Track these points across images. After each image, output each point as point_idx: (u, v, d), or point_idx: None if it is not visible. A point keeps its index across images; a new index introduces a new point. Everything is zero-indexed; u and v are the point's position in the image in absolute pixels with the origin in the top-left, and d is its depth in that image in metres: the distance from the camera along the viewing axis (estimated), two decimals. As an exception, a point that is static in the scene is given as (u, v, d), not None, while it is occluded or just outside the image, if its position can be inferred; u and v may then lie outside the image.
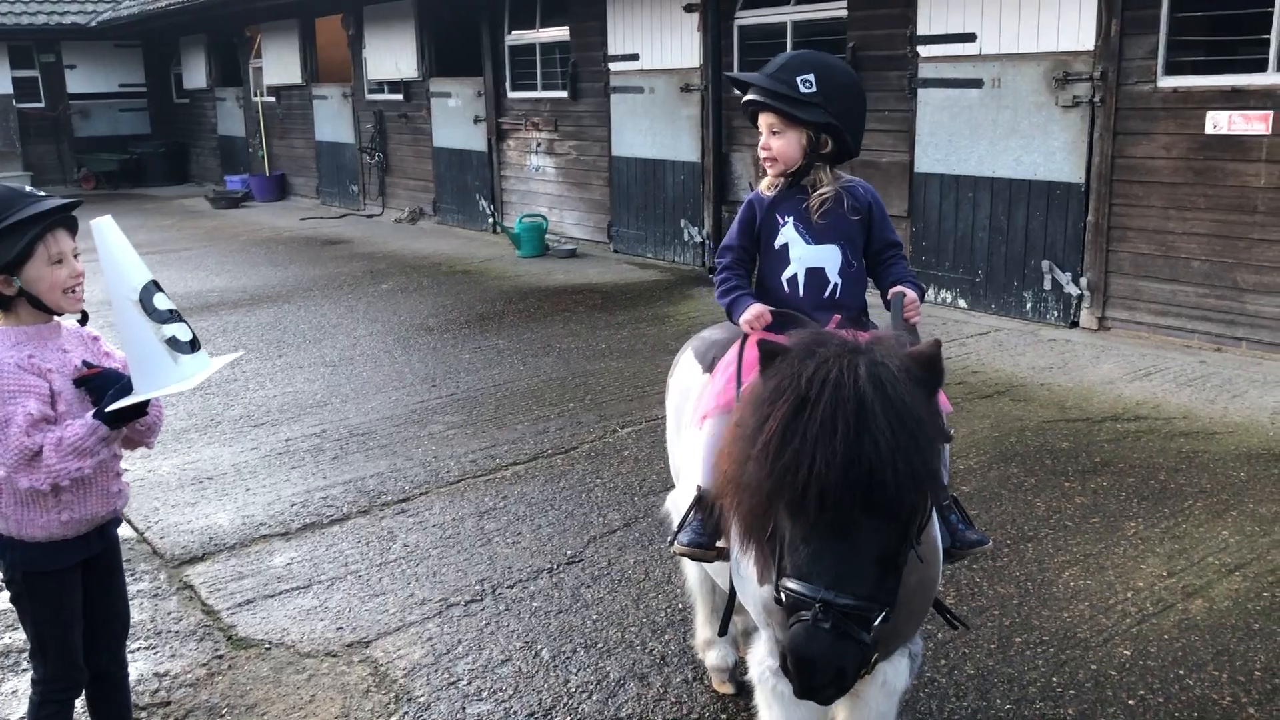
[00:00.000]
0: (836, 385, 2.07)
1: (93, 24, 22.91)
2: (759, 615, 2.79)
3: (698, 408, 3.31)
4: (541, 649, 4.10)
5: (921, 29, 9.14)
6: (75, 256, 2.88)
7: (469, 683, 3.89)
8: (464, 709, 3.72)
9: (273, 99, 20.35)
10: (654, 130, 12.15)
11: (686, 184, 11.85)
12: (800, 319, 2.94)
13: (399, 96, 16.69)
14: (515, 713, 3.69)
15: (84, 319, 3.01)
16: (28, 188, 2.91)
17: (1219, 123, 7.37)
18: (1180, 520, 4.98)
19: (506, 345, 8.82)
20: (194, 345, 2.83)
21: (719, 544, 2.99)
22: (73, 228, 2.91)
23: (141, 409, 2.82)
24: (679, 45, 11.59)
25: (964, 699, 3.67)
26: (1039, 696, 3.66)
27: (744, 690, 3.76)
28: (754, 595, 2.76)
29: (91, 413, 2.80)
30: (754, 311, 3.03)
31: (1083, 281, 8.35)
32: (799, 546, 2.14)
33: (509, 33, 14.36)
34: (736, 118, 11.23)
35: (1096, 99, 8.03)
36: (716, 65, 11.10)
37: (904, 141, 9.56)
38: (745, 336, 3.15)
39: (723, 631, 3.17)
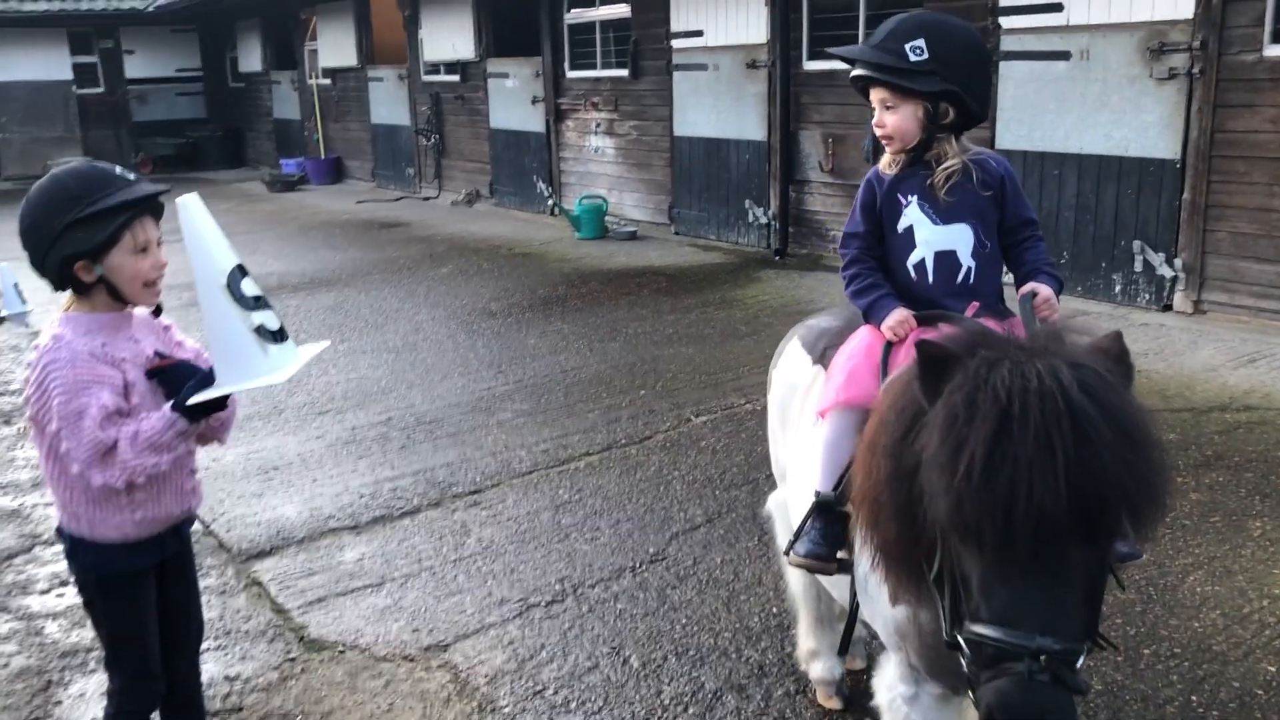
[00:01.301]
0: (1043, 396, 1.77)
1: (150, 9, 22.96)
2: (890, 637, 2.53)
3: (810, 402, 3.04)
4: (630, 655, 3.86)
5: (1004, 0, 8.73)
6: (159, 245, 2.68)
7: (555, 692, 3.65)
8: (552, 720, 3.49)
9: (328, 82, 20.26)
10: (718, 108, 11.82)
11: (752, 163, 11.52)
12: (947, 318, 2.65)
13: (455, 78, 16.48)
14: (606, 726, 3.45)
15: (158, 311, 2.80)
16: (118, 168, 2.69)
17: (1332, 93, 6.91)
18: (1310, 521, 4.63)
19: (572, 330, 8.58)
20: (281, 334, 2.60)
21: (839, 555, 2.73)
22: (158, 214, 2.70)
23: (222, 402, 2.61)
24: (745, 20, 11.24)
25: (1095, 719, 3.37)
26: (1178, 717, 3.35)
27: (852, 705, 3.50)
28: (885, 616, 2.49)
29: (169, 404, 2.59)
30: (898, 317, 2.72)
31: (1177, 263, 7.92)
32: (996, 587, 1.84)
33: (568, 11, 14.08)
34: (805, 94, 10.88)
35: (1195, 70, 7.58)
36: (785, 40, 10.74)
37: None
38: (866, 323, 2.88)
39: (843, 651, 2.91)
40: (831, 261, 10.81)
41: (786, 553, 2.80)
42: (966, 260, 2.78)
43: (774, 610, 4.13)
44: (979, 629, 1.86)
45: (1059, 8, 8.35)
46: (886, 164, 2.89)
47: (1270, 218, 7.39)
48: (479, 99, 16.10)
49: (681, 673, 3.74)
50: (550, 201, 14.64)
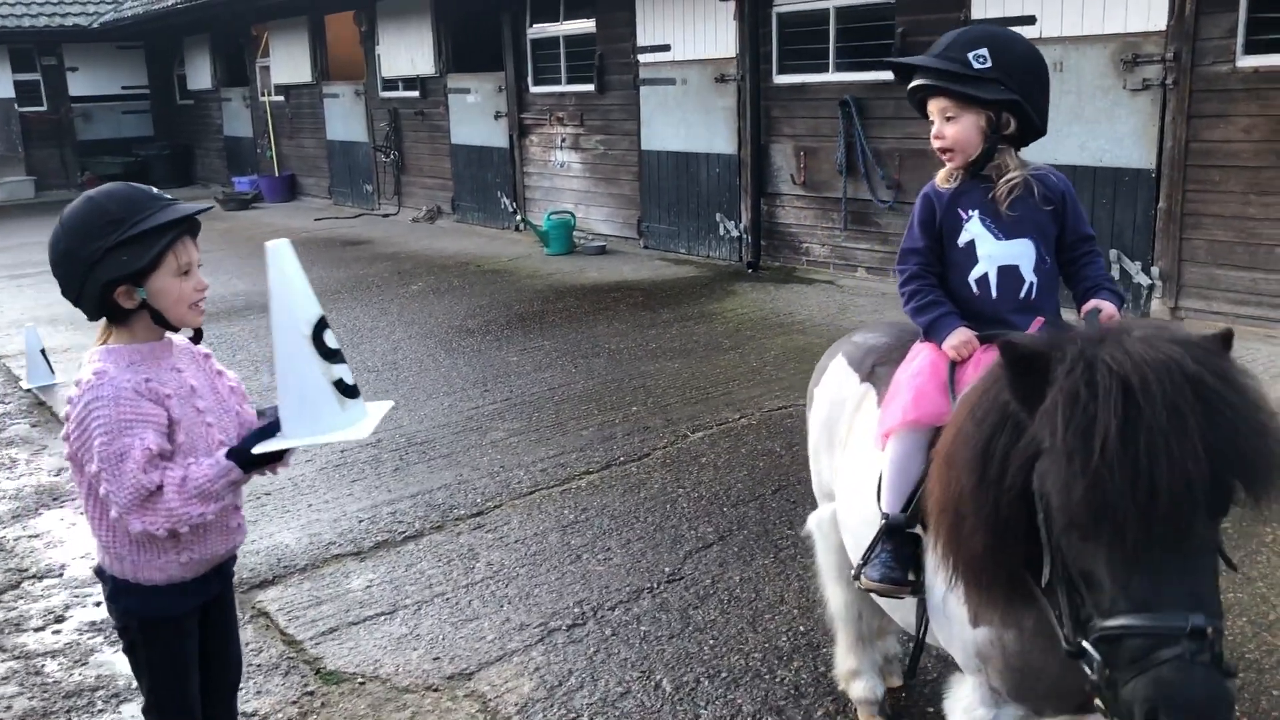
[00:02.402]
0: (1163, 367, 1.75)
1: (95, 25, 22.53)
2: (969, 660, 2.48)
3: (860, 419, 3.00)
4: (661, 679, 3.78)
5: (977, 13, 8.82)
6: (199, 266, 2.58)
7: (590, 719, 3.57)
8: (590, 750, 3.40)
9: (281, 98, 19.98)
10: (687, 123, 11.81)
11: (722, 177, 11.52)
12: (1009, 336, 2.62)
13: (415, 93, 16.33)
14: (647, 753, 3.37)
15: (198, 337, 2.69)
16: (154, 190, 2.60)
17: (1305, 102, 7.05)
18: (1320, 525, 4.68)
19: (553, 346, 8.49)
20: (355, 390, 2.51)
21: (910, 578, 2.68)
22: (196, 233, 2.59)
23: (282, 454, 2.50)
24: (713, 34, 11.25)
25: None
26: (1223, 726, 3.35)
27: (895, 723, 3.46)
28: (965, 638, 2.45)
29: (224, 451, 2.48)
30: (962, 337, 2.68)
31: (1154, 271, 8.03)
32: (1135, 572, 1.78)
33: (531, 26, 14.01)
34: (775, 107, 10.91)
35: (1169, 81, 7.70)
36: (754, 55, 10.77)
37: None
38: (924, 342, 2.84)
39: (910, 677, 2.86)
40: (805, 274, 10.84)
41: (856, 577, 2.73)
42: (1029, 276, 2.76)
43: (801, 629, 4.08)
44: (1120, 621, 1.78)
45: (1032, 20, 8.45)
46: (943, 178, 2.85)
47: (1246, 225, 7.52)
48: (439, 115, 15.96)
49: (716, 695, 3.67)
50: (517, 217, 14.53)
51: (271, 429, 2.46)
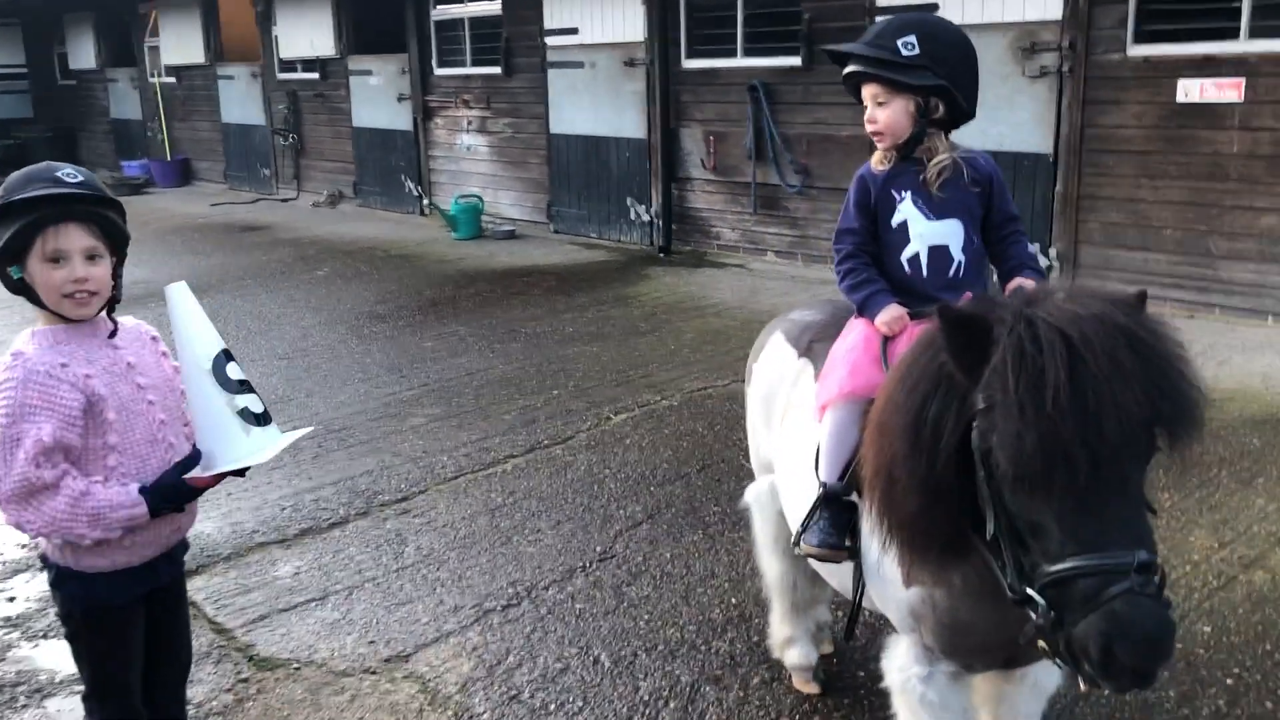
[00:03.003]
0: (1099, 321, 1.88)
1: (-32, 1, 21.50)
2: (903, 620, 2.58)
3: (798, 394, 3.08)
4: (599, 654, 3.83)
5: (882, 0, 9.01)
6: (92, 259, 2.44)
7: (532, 695, 3.60)
8: (534, 725, 3.44)
9: (172, 80, 19.36)
10: (596, 106, 11.83)
11: (632, 161, 11.57)
12: (944, 303, 2.73)
13: (314, 75, 15.99)
14: (591, 726, 3.42)
15: (113, 332, 2.58)
16: (66, 169, 2.45)
17: (1190, 91, 7.40)
18: (1212, 490, 4.95)
19: (468, 331, 8.45)
20: (265, 418, 2.58)
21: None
22: (101, 223, 2.46)
23: (195, 493, 2.53)
24: (621, 18, 11.28)
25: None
26: (1135, 680, 3.54)
27: (830, 689, 3.58)
28: (898, 599, 2.55)
29: (137, 487, 2.44)
30: (893, 313, 2.78)
31: (1052, 252, 8.34)
32: (1080, 519, 1.88)
33: (435, 7, 13.84)
34: (685, 92, 10.99)
35: (1065, 69, 8.01)
36: (663, 39, 10.83)
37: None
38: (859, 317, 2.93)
39: (848, 637, 2.96)
40: (716, 258, 10.97)
41: (796, 543, 2.82)
42: (958, 255, 2.87)
43: (733, 601, 4.17)
44: (1070, 563, 1.87)
45: (935, 9, 8.67)
46: (877, 161, 2.94)
47: (1137, 208, 7.87)
48: (340, 97, 15.67)
49: (655, 668, 3.74)
50: (424, 201, 14.37)
51: (190, 463, 2.50)
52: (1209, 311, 7.58)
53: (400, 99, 14.52)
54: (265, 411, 2.60)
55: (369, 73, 15.01)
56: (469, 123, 13.68)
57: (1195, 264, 7.59)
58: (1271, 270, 7.37)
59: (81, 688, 2.75)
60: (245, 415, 2.53)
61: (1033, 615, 1.97)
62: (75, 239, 2.42)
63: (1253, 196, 7.33)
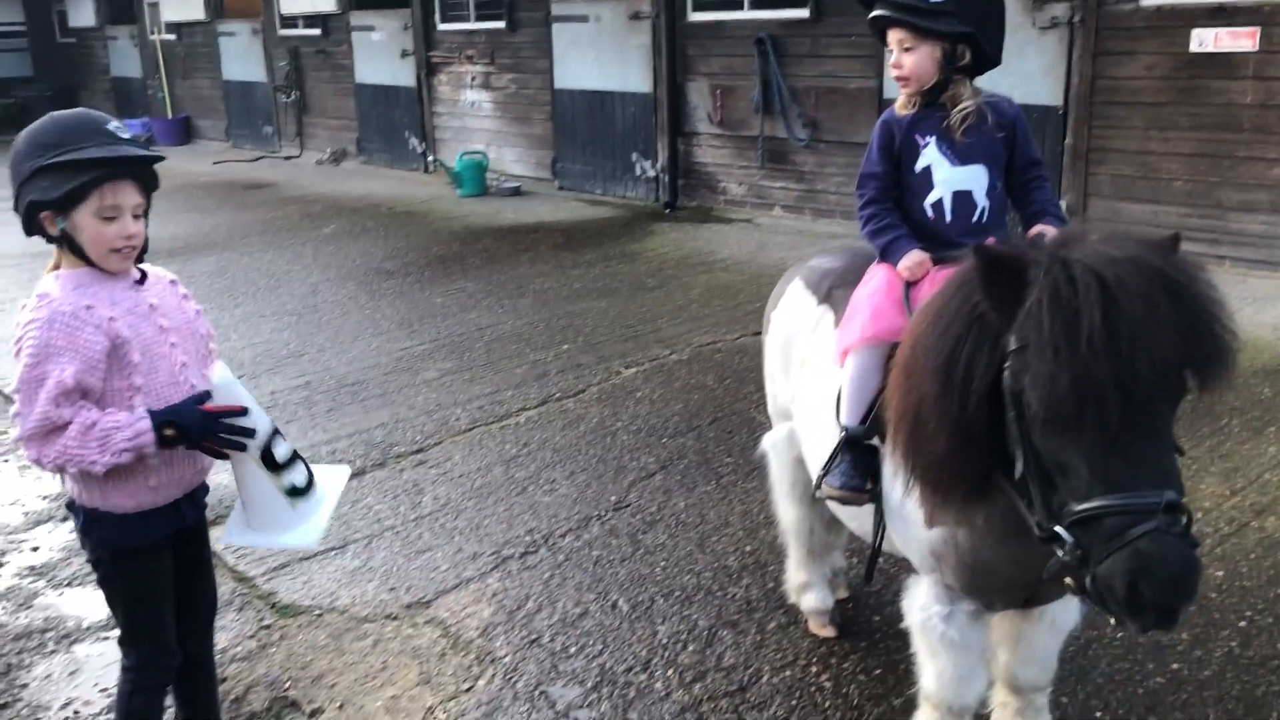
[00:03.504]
0: (1133, 263, 1.88)
1: (-34, -43, 21.28)
2: (924, 560, 2.61)
3: (818, 340, 3.10)
4: (617, 599, 3.88)
5: (890, -50, 8.90)
6: (139, 216, 2.50)
7: (552, 639, 3.66)
8: (555, 667, 3.49)
9: (173, 37, 19.20)
10: (600, 61, 11.74)
11: (638, 116, 11.50)
12: (960, 259, 2.74)
13: (316, 31, 15.86)
14: (611, 669, 3.47)
15: (142, 279, 2.61)
16: (114, 123, 2.49)
17: (1204, 40, 7.35)
18: (1223, 439, 4.97)
19: (477, 288, 8.46)
20: (310, 484, 2.69)
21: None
22: (148, 180, 2.53)
23: (205, 423, 2.50)
24: (627, -29, 11.17)
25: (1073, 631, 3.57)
26: (1147, 622, 3.58)
27: (845, 633, 3.62)
28: (920, 539, 2.58)
29: (145, 411, 2.45)
30: (916, 259, 2.79)
31: (1061, 205, 8.32)
32: (1108, 459, 1.90)
33: (437, -39, 13.72)
34: (691, 45, 10.91)
35: (1076, 19, 7.94)
36: (669, -8, 10.74)
37: (872, 67, 9.37)
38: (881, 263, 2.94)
39: (868, 579, 2.99)
40: (722, 213, 10.94)
41: (817, 486, 2.85)
42: (981, 200, 2.87)
43: (748, 549, 4.21)
44: (1098, 502, 1.90)
45: (944, -41, 8.59)
46: (901, 105, 2.94)
47: (1148, 160, 7.83)
48: (342, 53, 15.55)
49: (672, 613, 3.79)
50: (429, 158, 14.31)
51: (204, 398, 2.53)
52: (1219, 264, 7.55)
53: (403, 55, 14.41)
54: (310, 478, 2.70)
55: (371, 28, 14.89)
56: (473, 78, 13.59)
57: (1205, 216, 7.56)
58: (1282, 222, 7.36)
59: (116, 632, 2.80)
60: (293, 492, 2.65)
61: (1059, 553, 2.00)
62: (128, 196, 2.47)
63: (1265, 147, 7.30)
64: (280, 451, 2.61)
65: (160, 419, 2.45)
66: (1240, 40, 7.18)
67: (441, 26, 13.87)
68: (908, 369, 2.27)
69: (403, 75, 14.56)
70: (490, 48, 13.20)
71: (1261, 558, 3.96)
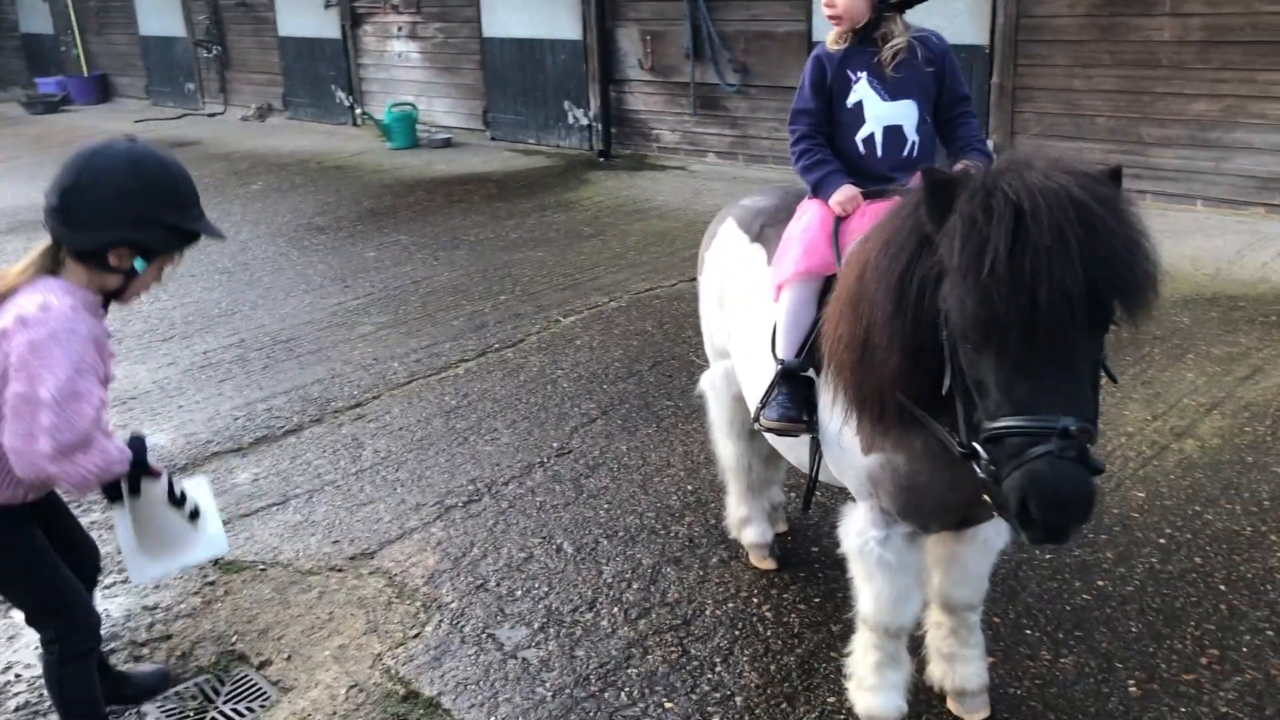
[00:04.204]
0: (1051, 193, 1.91)
1: None
2: (861, 486, 2.68)
3: (751, 277, 3.14)
4: (562, 543, 3.93)
5: (816, -109, 8.89)
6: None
7: (498, 583, 3.70)
8: (502, 610, 3.53)
9: (84, -10, 18.57)
10: (529, 8, 11.60)
11: (568, 64, 11.40)
12: (894, 192, 2.79)
13: (235, -17, 15.46)
14: (557, 609, 3.53)
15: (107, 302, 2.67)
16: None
17: (1124, -22, 7.45)
18: (1145, 366, 5.13)
19: (410, 240, 8.38)
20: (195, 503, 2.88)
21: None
22: None
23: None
24: (553, -84, 11.02)
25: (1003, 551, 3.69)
26: (1075, 545, 3.72)
27: (785, 564, 3.71)
28: (858, 466, 2.65)
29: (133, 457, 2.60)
30: (847, 194, 2.84)
31: (989, 144, 8.40)
32: (1018, 382, 1.98)
33: (358, -92, 13.39)
34: (620, -9, 10.82)
35: (1000, -42, 8.01)
36: (596, -64, 10.61)
37: (801, 10, 9.38)
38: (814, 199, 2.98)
39: (805, 508, 3.06)
40: (657, 161, 10.92)
41: (755, 420, 2.91)
42: (912, 135, 2.92)
43: (689, 488, 4.28)
44: (1003, 422, 1.99)
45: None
46: (832, 40, 2.97)
47: (1072, 98, 7.96)
48: (264, 5, 15.17)
49: (616, 553, 3.85)
50: (357, 111, 14.06)
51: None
52: (1140, 198, 7.72)
53: (327, 6, 14.09)
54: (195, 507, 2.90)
55: (292, -21, 14.54)
56: (399, 28, 13.35)
57: (1127, 151, 7.72)
58: (1200, 156, 7.54)
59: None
60: (193, 516, 2.87)
61: (976, 469, 2.08)
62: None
63: (1183, 83, 7.46)
64: (178, 488, 2.80)
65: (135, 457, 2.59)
66: (1158, -24, 7.30)
67: (365, -24, 13.59)
68: (855, 297, 2.31)
69: (327, 27, 14.26)
70: (416, -3, 12.97)
71: (1180, 478, 4.11)
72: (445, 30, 12.80)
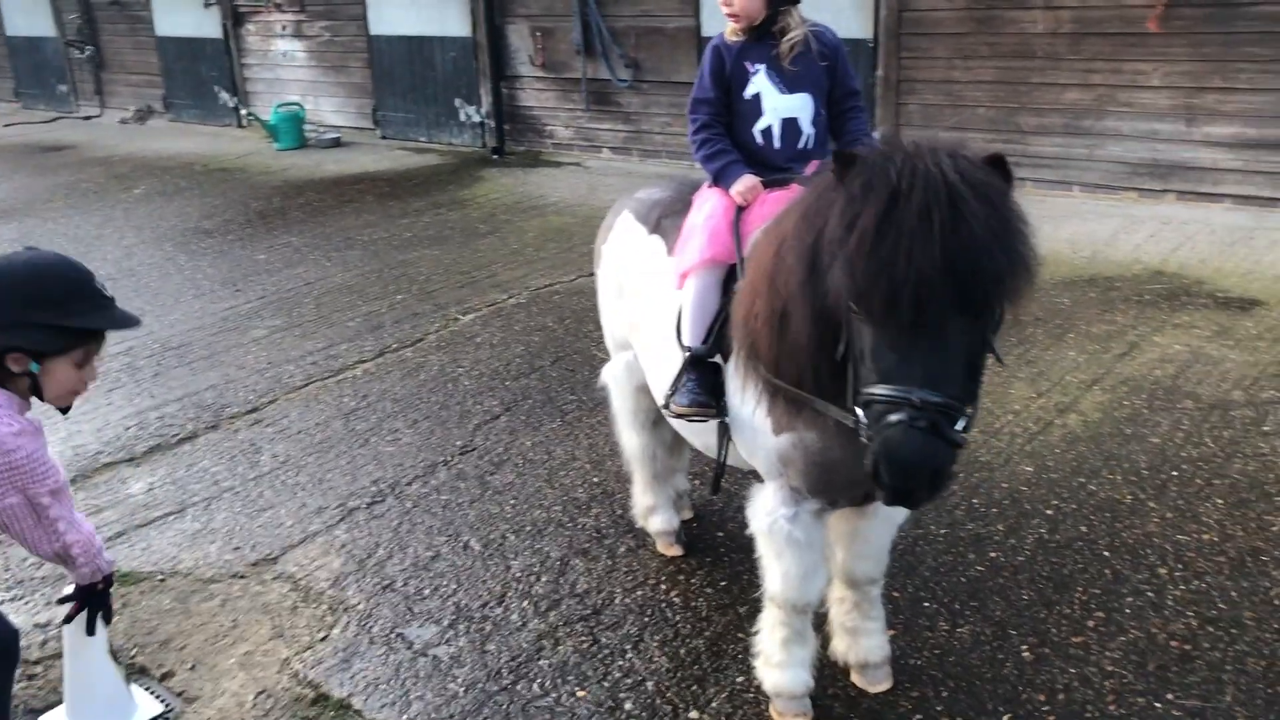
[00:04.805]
0: (926, 177, 1.98)
1: None
2: (772, 466, 2.73)
3: (651, 268, 3.18)
4: (469, 540, 3.92)
5: (701, -113, 8.99)
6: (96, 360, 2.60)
7: (405, 583, 3.67)
8: (410, 609, 3.52)
9: (-56, -11, 17.74)
10: (417, 5, 11.47)
11: (459, 61, 11.32)
12: (792, 181, 2.86)
13: (108, -19, 14.95)
14: (466, 605, 3.52)
15: (67, 409, 2.64)
16: (96, 279, 2.53)
17: (998, -28, 7.71)
18: (1029, 346, 5.34)
19: (302, 242, 8.24)
20: None
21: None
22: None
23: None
24: (438, -88, 10.91)
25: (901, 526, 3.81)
26: (967, 519, 3.86)
27: (692, 550, 3.77)
28: (768, 447, 2.70)
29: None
30: (747, 183, 2.90)
31: (875, 136, 8.62)
32: (886, 353, 2.07)
33: (236, -97, 13.07)
34: (509, -12, 10.77)
35: (881, -46, 8.20)
36: (483, -68, 10.54)
37: (690, 5, 9.47)
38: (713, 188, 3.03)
39: (714, 491, 3.11)
40: (551, 157, 10.92)
41: (665, 406, 2.94)
42: (807, 128, 2.99)
43: (595, 480, 4.31)
44: (871, 390, 2.09)
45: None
46: (731, 32, 3.01)
47: (953, 89, 8.21)
48: (139, 4, 14.71)
49: (524, 547, 3.86)
50: (241, 112, 13.73)
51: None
52: (1020, 186, 8.00)
53: (207, 4, 13.73)
54: None
55: (169, -24, 14.12)
56: (283, 27, 13.07)
57: (1007, 140, 7.99)
58: (1075, 143, 7.85)
59: None
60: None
61: (860, 434, 2.16)
62: (101, 349, 2.57)
63: (1057, 73, 7.75)
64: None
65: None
66: (1030, -29, 7.57)
67: (245, -27, 13.27)
68: (773, 270, 2.38)
69: (207, 26, 13.90)
70: (300, -6, 12.72)
71: (1065, 451, 4.29)
72: (331, 28, 12.58)
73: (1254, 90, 7.14)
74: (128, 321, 2.56)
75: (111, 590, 2.78)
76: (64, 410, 2.63)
